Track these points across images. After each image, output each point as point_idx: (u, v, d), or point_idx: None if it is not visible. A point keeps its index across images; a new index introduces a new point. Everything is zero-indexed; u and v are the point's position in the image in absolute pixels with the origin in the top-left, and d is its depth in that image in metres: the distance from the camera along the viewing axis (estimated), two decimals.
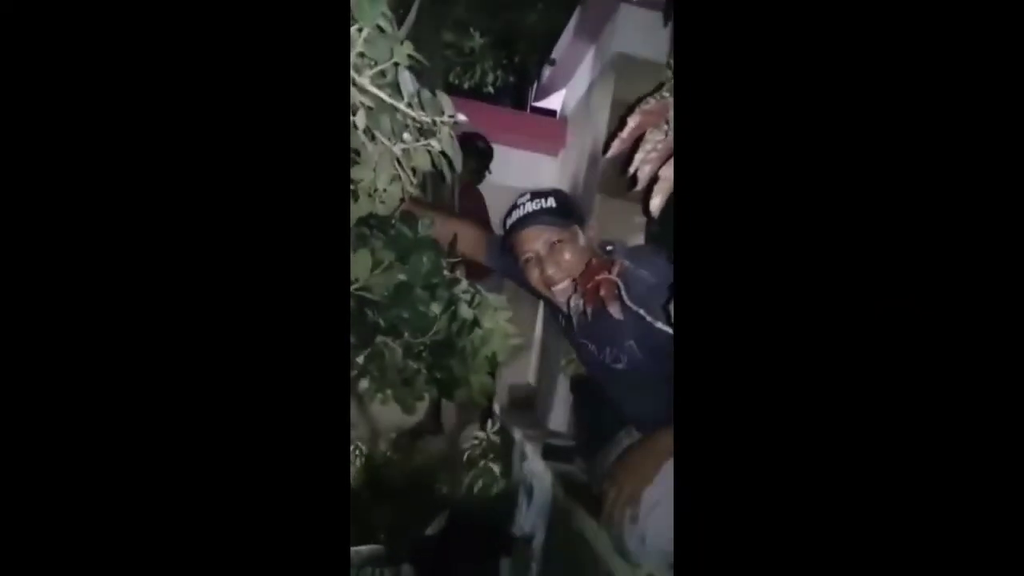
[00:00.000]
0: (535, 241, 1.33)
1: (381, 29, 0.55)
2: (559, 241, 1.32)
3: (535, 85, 4.16)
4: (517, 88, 4.28)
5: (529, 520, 1.94)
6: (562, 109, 3.95)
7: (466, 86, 3.81)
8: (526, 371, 3.25)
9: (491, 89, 3.96)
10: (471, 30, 3.61)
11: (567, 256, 1.31)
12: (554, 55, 3.61)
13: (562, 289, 1.33)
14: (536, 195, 1.35)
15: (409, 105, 0.59)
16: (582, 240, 1.34)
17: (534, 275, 1.34)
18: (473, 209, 2.81)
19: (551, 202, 1.33)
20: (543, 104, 4.21)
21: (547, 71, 3.79)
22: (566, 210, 1.35)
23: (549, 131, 3.75)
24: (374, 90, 0.57)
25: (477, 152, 2.95)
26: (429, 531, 1.86)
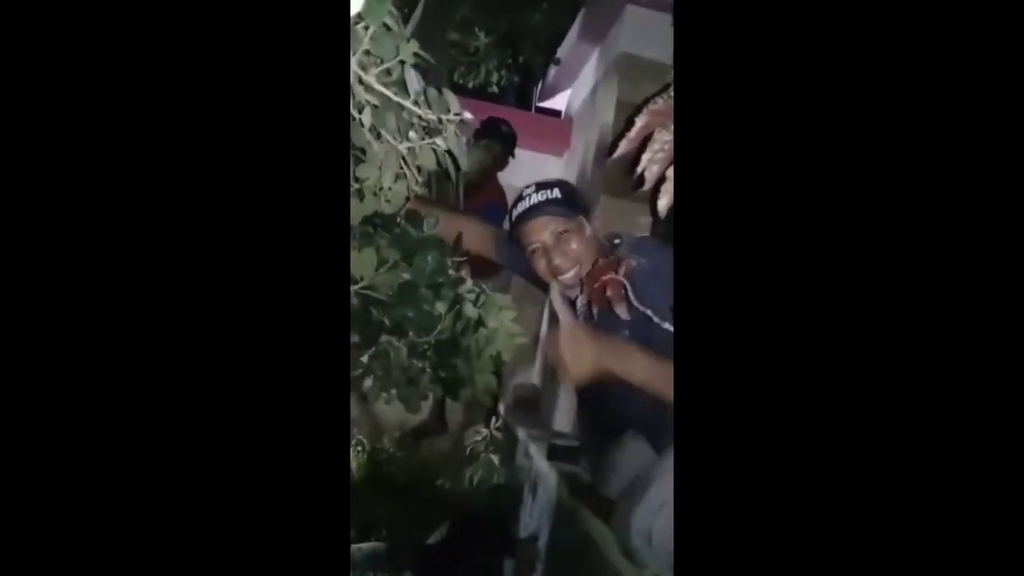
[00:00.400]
0: (541, 231, 1.33)
1: (387, 27, 0.55)
2: (565, 231, 1.32)
3: (540, 85, 4.16)
4: (522, 88, 4.28)
5: (533, 520, 1.94)
6: (567, 109, 3.95)
7: (471, 85, 3.81)
8: (531, 371, 3.25)
9: (496, 89, 3.95)
10: (476, 29, 3.61)
11: (574, 246, 1.32)
12: (559, 55, 3.61)
13: (569, 278, 1.33)
14: (541, 186, 1.36)
15: (415, 103, 0.59)
16: (588, 230, 1.35)
17: (541, 265, 1.34)
18: (494, 200, 2.75)
19: (556, 192, 1.34)
20: (548, 104, 4.20)
21: (552, 71, 3.79)
22: (571, 200, 1.35)
23: (554, 131, 3.75)
24: (380, 88, 0.56)
25: (501, 136, 2.87)
26: (431, 540, 1.86)
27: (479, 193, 2.75)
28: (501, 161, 2.90)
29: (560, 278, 1.33)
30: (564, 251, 1.32)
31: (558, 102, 4.09)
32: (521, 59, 3.86)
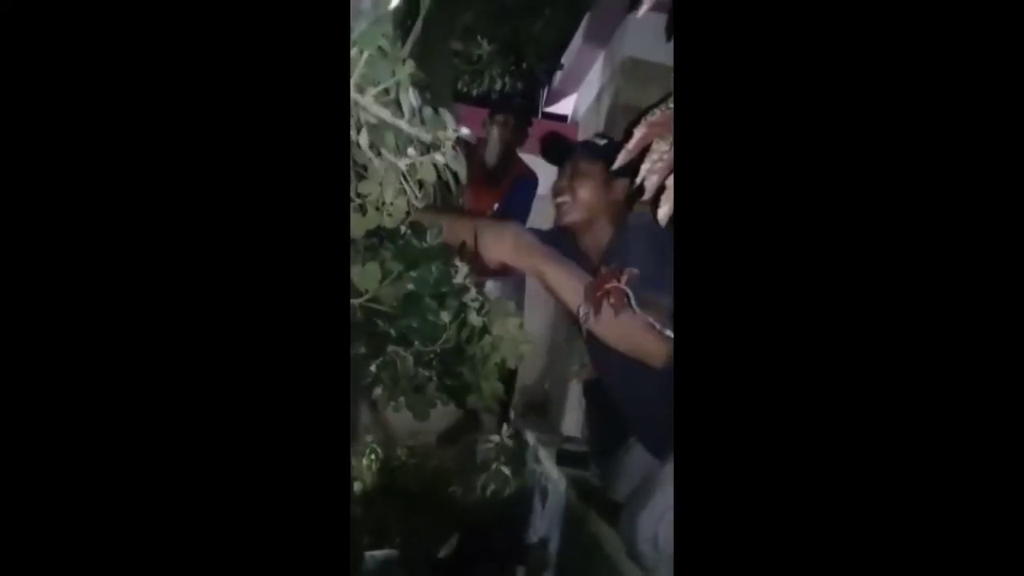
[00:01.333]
0: (569, 167, 1.49)
1: (383, 51, 0.56)
2: (583, 174, 1.46)
3: (546, 90, 4.16)
4: (526, 94, 4.29)
5: (544, 525, 1.95)
6: (572, 114, 3.95)
7: (475, 93, 3.81)
8: (539, 376, 3.25)
9: (499, 96, 3.96)
10: (479, 37, 3.62)
11: (581, 191, 1.46)
12: (563, 60, 3.61)
13: (566, 203, 1.46)
14: (602, 136, 1.56)
15: (410, 123, 0.60)
16: (603, 181, 1.45)
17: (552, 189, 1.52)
18: (522, 176, 2.73)
19: (603, 142, 1.51)
20: (554, 109, 4.21)
21: (558, 76, 3.79)
22: (610, 152, 1.41)
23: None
24: (376, 109, 0.58)
25: (514, 109, 2.86)
26: (444, 547, 1.87)
27: (506, 172, 2.72)
28: (520, 134, 2.82)
29: (555, 200, 1.48)
30: (572, 187, 1.46)
31: (564, 107, 4.09)
32: (524, 66, 3.87)
